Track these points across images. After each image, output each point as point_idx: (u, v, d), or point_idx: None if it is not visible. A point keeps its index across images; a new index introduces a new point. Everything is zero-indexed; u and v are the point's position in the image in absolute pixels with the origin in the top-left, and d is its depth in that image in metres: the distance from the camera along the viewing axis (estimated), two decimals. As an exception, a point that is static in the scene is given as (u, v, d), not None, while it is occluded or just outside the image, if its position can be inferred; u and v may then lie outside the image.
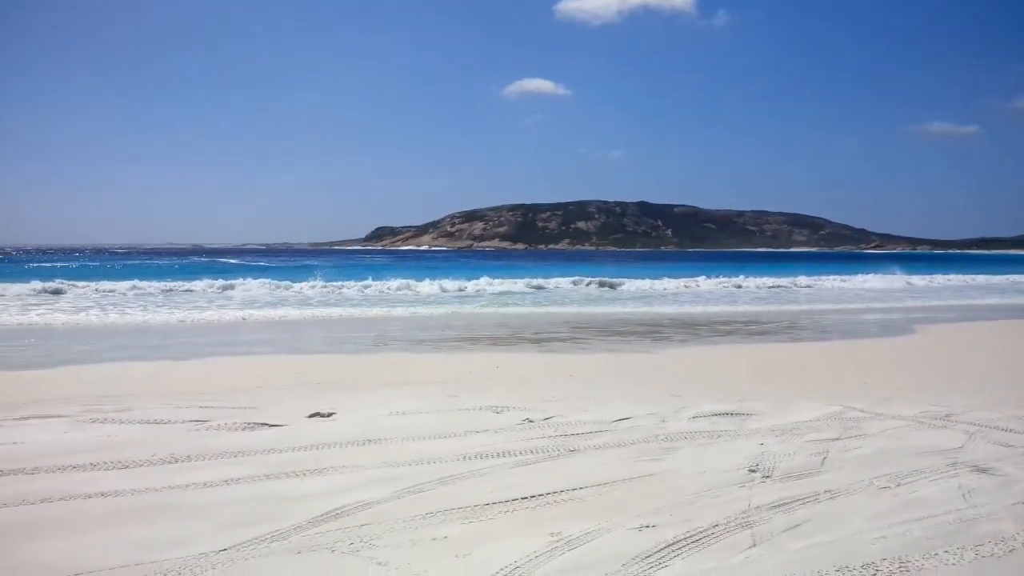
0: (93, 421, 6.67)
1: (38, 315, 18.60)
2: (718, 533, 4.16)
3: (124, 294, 25.25)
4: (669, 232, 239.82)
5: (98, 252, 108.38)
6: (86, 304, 22.00)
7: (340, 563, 3.74)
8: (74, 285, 26.36)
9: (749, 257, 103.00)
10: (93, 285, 26.53)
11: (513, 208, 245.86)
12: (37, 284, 25.13)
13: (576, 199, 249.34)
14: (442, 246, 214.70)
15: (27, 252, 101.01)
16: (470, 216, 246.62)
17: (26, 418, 6.79)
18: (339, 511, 4.42)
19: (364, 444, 5.99)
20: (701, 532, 4.16)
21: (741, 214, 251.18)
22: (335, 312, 20.61)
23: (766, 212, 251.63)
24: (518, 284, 31.27)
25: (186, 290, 27.04)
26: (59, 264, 57.16)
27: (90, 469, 5.20)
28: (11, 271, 41.86)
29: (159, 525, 4.19)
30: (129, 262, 66.09)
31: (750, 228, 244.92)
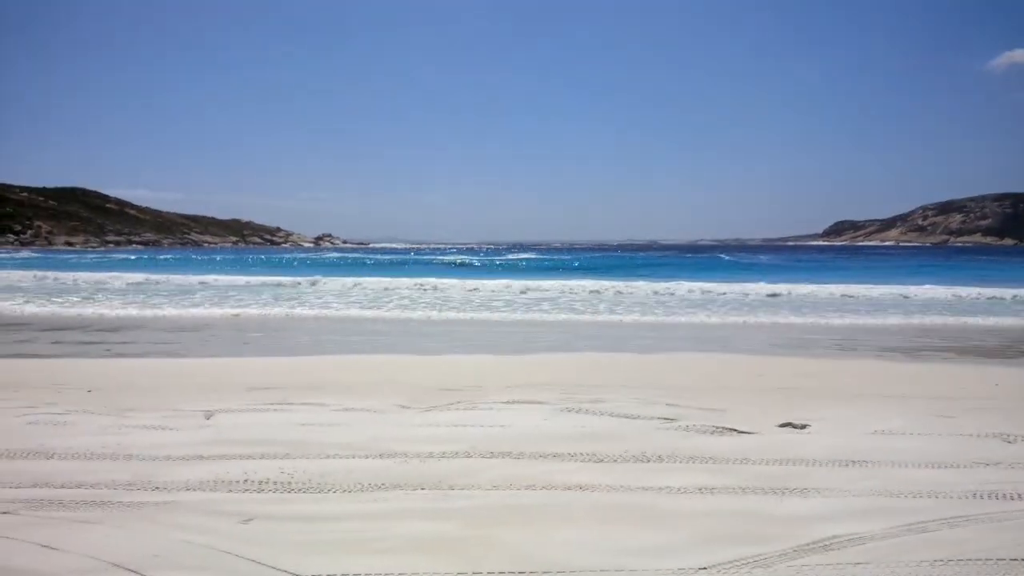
0: (568, 410, 6.95)
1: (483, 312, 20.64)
2: None
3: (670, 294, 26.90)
4: None
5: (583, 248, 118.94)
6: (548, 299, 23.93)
7: (836, 609, 3.23)
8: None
9: None
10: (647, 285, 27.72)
11: (999, 197, 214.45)
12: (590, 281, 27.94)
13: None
14: (911, 241, 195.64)
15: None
16: (945, 208, 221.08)
17: (511, 402, 7.33)
18: (827, 542, 3.89)
19: (846, 465, 5.34)
20: None
21: None
22: (782, 318, 19.67)
23: None
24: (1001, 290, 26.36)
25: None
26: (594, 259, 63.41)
27: (568, 459, 5.34)
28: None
29: (636, 529, 4.07)
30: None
31: None
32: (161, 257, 63.37)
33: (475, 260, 66.85)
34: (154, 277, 31.22)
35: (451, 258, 71.53)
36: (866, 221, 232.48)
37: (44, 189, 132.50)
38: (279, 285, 27.96)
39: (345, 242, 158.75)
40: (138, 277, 31.35)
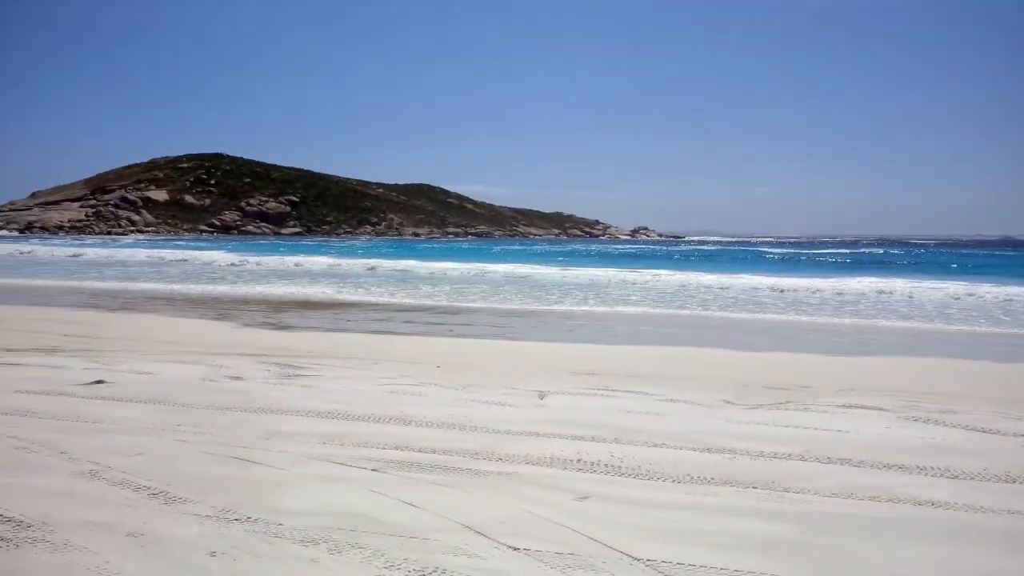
0: (914, 420, 6.38)
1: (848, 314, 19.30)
2: None
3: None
4: None
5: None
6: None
7: None
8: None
9: None
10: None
11: None
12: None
13: None
14: None
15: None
16: None
17: (846, 406, 6.89)
18: None
19: None
20: None
21: None
22: None
23: None
24: None
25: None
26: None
27: (916, 472, 4.90)
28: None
29: (997, 554, 3.63)
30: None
31: None
32: (496, 249, 69.25)
33: (802, 255, 63.60)
34: (491, 267, 33.65)
35: (778, 251, 68.64)
36: None
37: (396, 185, 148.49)
38: (592, 283, 28.76)
39: (660, 235, 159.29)
40: (496, 269, 33.97)
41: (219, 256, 41.97)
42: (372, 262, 36.50)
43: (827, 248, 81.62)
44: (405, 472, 4.71)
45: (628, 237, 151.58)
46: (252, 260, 37.89)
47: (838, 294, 22.49)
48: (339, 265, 34.78)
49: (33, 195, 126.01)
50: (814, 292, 22.83)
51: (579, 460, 4.97)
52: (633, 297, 21.06)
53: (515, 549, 3.58)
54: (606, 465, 4.88)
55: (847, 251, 71.42)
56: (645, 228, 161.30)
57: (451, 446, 5.27)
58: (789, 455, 5.21)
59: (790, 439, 5.62)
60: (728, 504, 4.28)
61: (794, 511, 4.18)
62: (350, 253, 51.82)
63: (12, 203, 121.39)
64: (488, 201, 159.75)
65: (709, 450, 5.30)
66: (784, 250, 74.24)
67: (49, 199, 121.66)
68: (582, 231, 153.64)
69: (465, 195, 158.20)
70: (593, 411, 6.41)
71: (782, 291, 23.23)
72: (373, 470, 4.74)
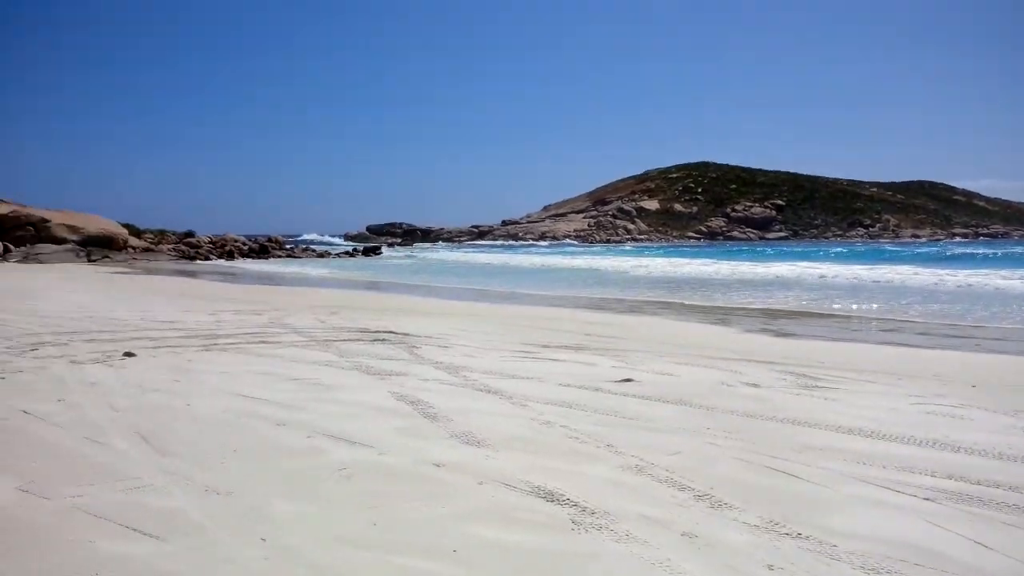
0: None
1: None
2: None
3: None
4: None
5: None
6: None
7: None
8: None
9: None
10: None
11: None
12: None
13: None
14: None
15: None
16: None
17: None
18: None
19: None
20: None
21: None
22: None
23: None
24: None
25: None
26: None
27: None
28: None
29: None
30: None
31: None
32: None
33: None
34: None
35: None
36: None
37: (892, 183, 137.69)
38: None
39: None
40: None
41: (714, 265, 43.13)
42: (855, 268, 34.22)
43: None
44: (966, 506, 4.16)
45: None
46: (741, 267, 38.22)
47: None
48: (817, 271, 33.22)
49: (545, 208, 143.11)
50: None
51: None
52: None
53: None
54: None
55: None
56: None
57: (1020, 482, 4.54)
58: None
59: None
60: None
61: None
62: (836, 259, 49.40)
63: (528, 215, 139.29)
64: (1004, 197, 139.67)
65: None
66: None
67: (558, 211, 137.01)
68: None
69: (974, 191, 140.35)
70: None
71: None
72: (926, 499, 4.27)
